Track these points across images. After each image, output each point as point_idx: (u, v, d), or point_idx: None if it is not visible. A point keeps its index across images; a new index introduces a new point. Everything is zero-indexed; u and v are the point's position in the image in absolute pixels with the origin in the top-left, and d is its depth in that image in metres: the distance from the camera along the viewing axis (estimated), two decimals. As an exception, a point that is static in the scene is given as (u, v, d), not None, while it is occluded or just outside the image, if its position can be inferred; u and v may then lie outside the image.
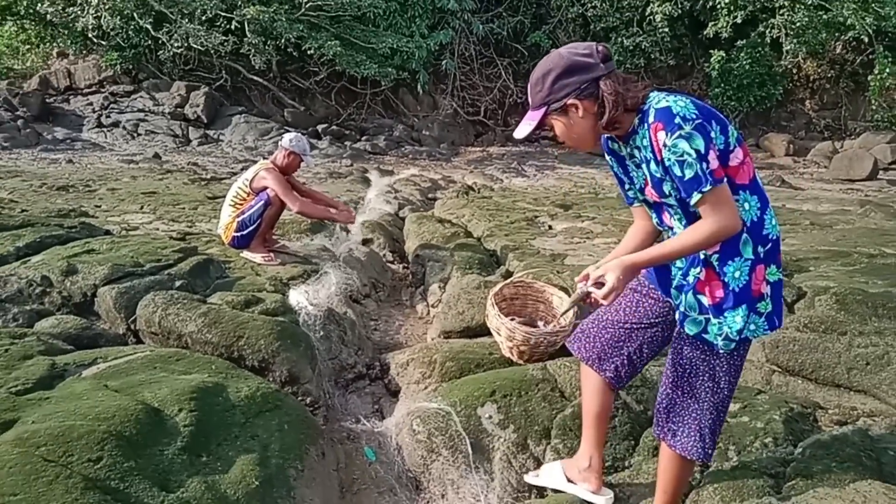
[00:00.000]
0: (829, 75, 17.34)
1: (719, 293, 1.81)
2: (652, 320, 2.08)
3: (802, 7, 14.57)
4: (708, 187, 1.68)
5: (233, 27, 14.52)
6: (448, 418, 2.68)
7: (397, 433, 2.81)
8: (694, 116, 1.69)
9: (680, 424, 1.97)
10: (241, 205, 4.34)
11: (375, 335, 4.22)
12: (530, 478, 2.43)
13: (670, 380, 1.99)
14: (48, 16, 14.82)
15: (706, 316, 1.84)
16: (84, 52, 16.83)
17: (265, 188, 4.27)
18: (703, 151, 1.67)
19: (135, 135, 14.35)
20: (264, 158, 4.64)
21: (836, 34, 15.36)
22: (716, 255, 1.81)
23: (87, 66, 16.67)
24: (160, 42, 14.83)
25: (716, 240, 1.74)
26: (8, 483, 1.79)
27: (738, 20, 15.27)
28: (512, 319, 3.25)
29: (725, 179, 1.72)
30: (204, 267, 3.98)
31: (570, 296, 3.28)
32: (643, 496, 2.28)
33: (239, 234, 4.31)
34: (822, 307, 3.57)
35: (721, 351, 1.86)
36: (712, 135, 1.71)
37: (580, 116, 1.80)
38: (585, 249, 5.24)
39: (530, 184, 11.48)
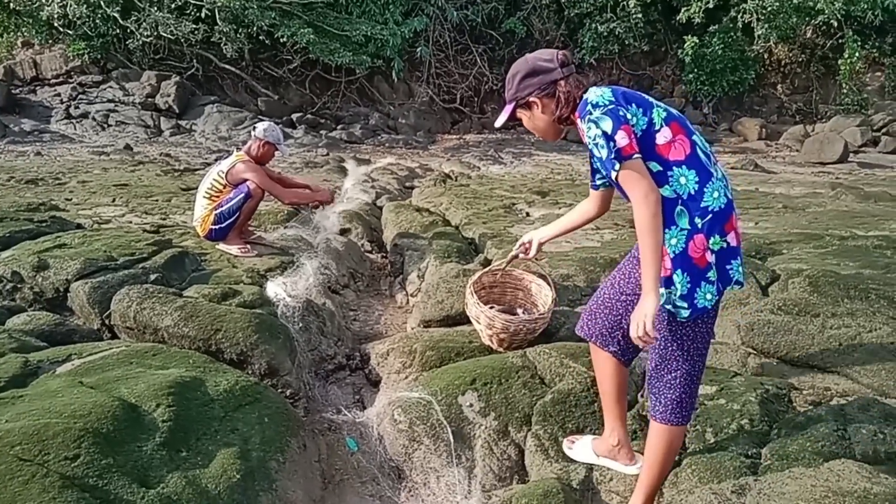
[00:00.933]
0: (801, 59, 17.56)
1: (668, 264, 1.94)
2: None
3: (773, -8, 14.69)
4: (617, 165, 1.86)
5: (203, 15, 14.26)
6: (429, 407, 2.68)
7: (379, 423, 2.81)
8: (606, 103, 1.89)
9: (659, 396, 2.09)
10: (218, 197, 4.28)
11: (355, 325, 4.21)
12: (566, 449, 2.49)
13: (651, 357, 2.11)
14: (11, 4, 14.43)
15: (663, 287, 1.94)
16: (50, 41, 16.41)
17: (244, 181, 4.22)
18: (610, 132, 1.85)
19: (105, 126, 14.07)
20: (238, 149, 4.58)
21: (807, 19, 15.51)
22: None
23: (54, 55, 16.27)
24: (129, 31, 14.53)
25: (642, 213, 1.87)
26: (-18, 484, 1.76)
27: (711, 5, 15.35)
28: (491, 307, 3.26)
29: (638, 156, 1.87)
30: (179, 260, 3.93)
31: (549, 283, 3.30)
32: (622, 478, 2.31)
33: (217, 226, 4.26)
34: (796, 289, 3.63)
35: (682, 319, 1.97)
36: (627, 116, 1.88)
37: (540, 112, 2.07)
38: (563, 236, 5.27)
39: (507, 171, 11.48)
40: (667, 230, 1.92)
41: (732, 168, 11.98)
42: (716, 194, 1.94)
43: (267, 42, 15.25)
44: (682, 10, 16.03)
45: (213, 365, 2.75)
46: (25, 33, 16.76)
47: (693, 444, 2.42)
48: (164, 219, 5.51)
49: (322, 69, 16.61)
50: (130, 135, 13.58)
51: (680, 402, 2.06)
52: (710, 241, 1.93)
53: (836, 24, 14.80)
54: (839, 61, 15.36)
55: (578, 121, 1.97)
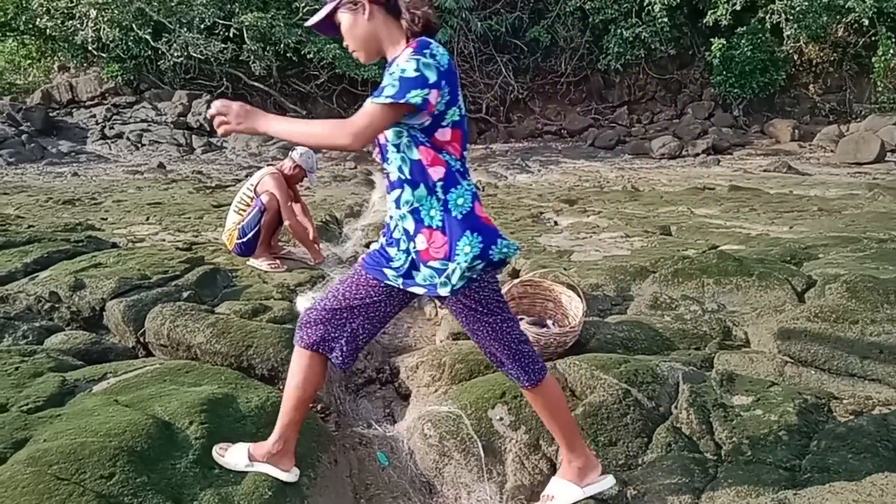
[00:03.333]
0: (832, 59, 17.23)
1: (443, 246, 1.87)
2: (374, 298, 2.06)
3: (802, -9, 14.47)
4: (387, 100, 1.71)
5: (231, 34, 14.55)
6: (459, 421, 2.67)
7: (409, 437, 2.80)
8: (445, 63, 1.78)
9: (511, 366, 2.09)
10: (246, 210, 4.35)
11: (384, 338, 4.21)
12: (216, 457, 2.21)
13: (477, 338, 2.08)
14: (48, 30, 14.90)
15: (444, 275, 1.88)
16: (85, 64, 16.91)
17: (267, 192, 4.28)
18: (419, 78, 1.72)
19: (139, 145, 14.40)
20: (268, 165, 4.64)
21: (837, 17, 15.25)
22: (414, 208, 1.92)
23: (89, 78, 16.74)
24: (160, 52, 14.89)
25: (327, 137, 1.78)
26: (22, 503, 1.79)
27: (738, 7, 15.18)
28: (521, 319, 3.24)
29: (409, 115, 1.77)
30: (211, 276, 3.99)
31: (579, 294, 3.27)
32: (658, 493, 2.27)
33: (240, 241, 4.32)
34: (833, 296, 3.54)
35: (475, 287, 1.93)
36: (442, 85, 1.76)
37: (367, 18, 1.86)
38: (592, 244, 5.22)
39: (535, 179, 11.45)
40: (453, 188, 1.89)
41: (765, 171, 11.77)
42: (460, 201, 1.90)
43: (294, 59, 15.50)
44: (709, 13, 15.88)
45: (244, 381, 2.77)
46: (61, 57, 17.32)
47: (729, 456, 2.36)
48: (196, 236, 5.60)
49: (349, 83, 16.81)
50: (163, 153, 13.88)
51: (522, 364, 2.09)
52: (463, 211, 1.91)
53: (867, 21, 14.49)
54: (873, 59, 15.03)
55: (403, 49, 1.82)
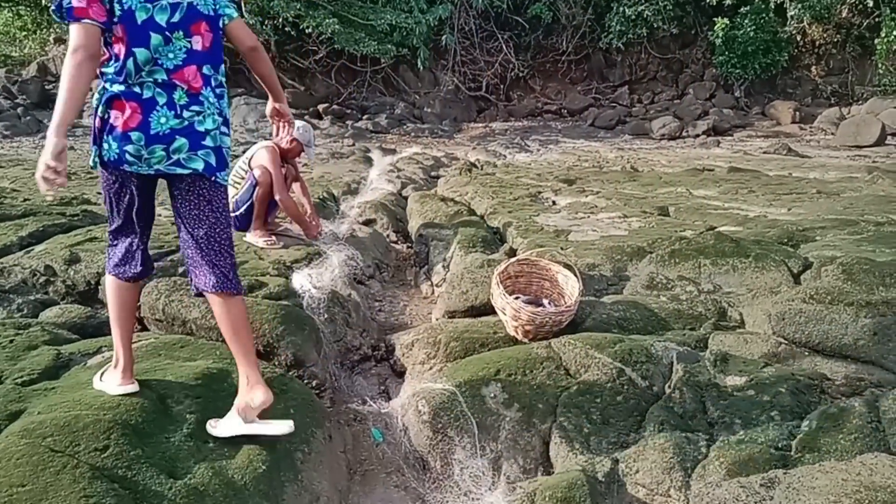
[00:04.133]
0: (836, 40, 17.09)
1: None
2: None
3: (807, -29, 14.32)
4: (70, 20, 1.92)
5: (230, 8, 14.36)
6: (453, 398, 2.68)
7: (403, 414, 2.82)
8: None
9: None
10: (241, 184, 4.31)
11: (380, 316, 4.23)
12: (210, 430, 2.24)
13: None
14: (44, 1, 14.70)
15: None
16: (81, 37, 16.70)
17: (260, 165, 4.23)
18: None
19: (135, 119, 14.28)
20: (265, 139, 4.60)
21: (842, -2, 15.10)
22: None
23: (85, 51, 16.55)
24: (157, 25, 14.70)
25: (67, 68, 1.97)
26: (16, 474, 1.80)
27: (742, -14, 15.02)
28: (517, 298, 3.24)
29: (89, 21, 1.93)
30: (207, 252, 3.97)
31: (575, 274, 3.27)
32: (649, 471, 2.28)
33: (234, 214, 4.27)
34: (829, 277, 3.54)
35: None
36: None
37: None
38: (590, 224, 5.21)
39: (534, 159, 11.40)
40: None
41: (765, 153, 11.73)
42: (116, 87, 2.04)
43: (293, 33, 15.32)
44: (713, -8, 15.70)
45: (239, 356, 2.77)
46: (57, 30, 17.10)
47: (721, 435, 2.38)
48: (193, 211, 5.57)
49: (347, 59, 16.64)
50: (160, 128, 13.78)
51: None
52: (100, 110, 2.06)
53: (871, 2, 14.36)
54: (876, 41, 14.90)
55: None
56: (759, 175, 8.38)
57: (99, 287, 3.53)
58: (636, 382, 2.71)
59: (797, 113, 15.57)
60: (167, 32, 2.06)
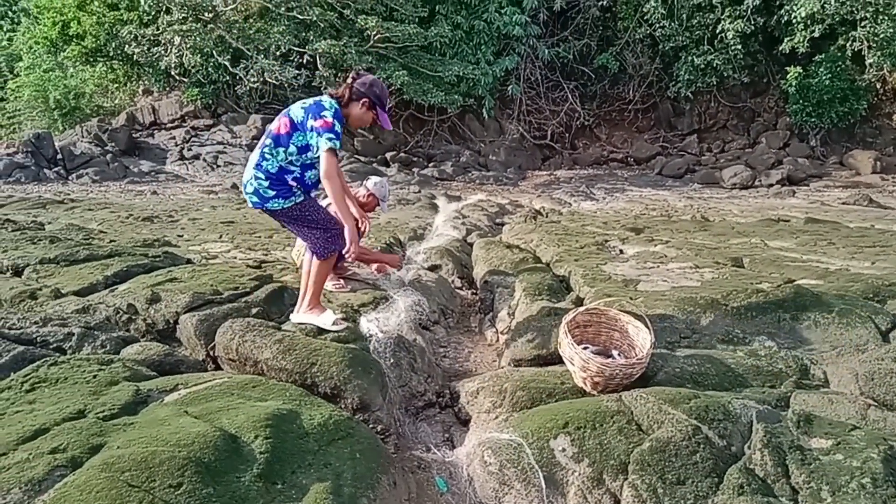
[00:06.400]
0: (918, 88, 16.45)
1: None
2: None
3: (886, 18, 13.92)
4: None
5: (305, 61, 15.06)
6: (520, 450, 2.62)
7: (468, 464, 2.77)
8: None
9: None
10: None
11: (445, 362, 4.21)
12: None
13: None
14: (134, 56, 15.78)
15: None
16: (167, 88, 17.82)
17: None
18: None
19: (214, 166, 15.00)
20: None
21: (925, 44, 14.58)
22: None
23: (170, 101, 17.62)
24: (237, 77, 15.53)
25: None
26: (95, 507, 1.85)
27: (816, 34, 14.72)
28: (585, 348, 3.18)
29: None
30: (279, 294, 4.08)
31: (646, 325, 3.18)
32: (729, 538, 2.16)
33: None
34: (922, 336, 3.33)
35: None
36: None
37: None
38: (659, 274, 5.09)
39: (599, 207, 11.30)
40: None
41: (844, 203, 11.27)
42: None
43: (364, 85, 15.84)
44: (785, 40, 15.46)
45: (308, 398, 2.81)
46: (146, 82, 18.29)
47: (807, 502, 2.23)
48: (266, 254, 5.76)
49: (415, 109, 17.10)
50: (237, 174, 14.39)
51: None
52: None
53: (958, 49, 13.81)
54: (963, 88, 14.26)
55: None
56: (839, 226, 8.03)
57: (177, 326, 3.66)
58: (713, 441, 2.59)
59: (878, 163, 14.96)
60: None
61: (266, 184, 3.36)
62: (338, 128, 3.25)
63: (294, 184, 3.40)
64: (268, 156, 3.36)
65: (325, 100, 3.33)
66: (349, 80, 3.39)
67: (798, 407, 2.84)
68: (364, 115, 3.42)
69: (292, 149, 3.33)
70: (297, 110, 3.35)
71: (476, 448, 2.80)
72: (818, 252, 6.20)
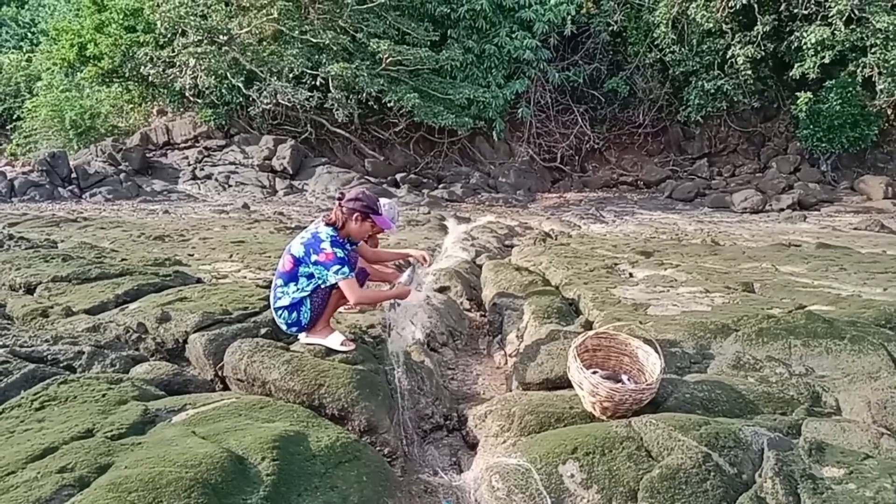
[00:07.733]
0: (930, 114, 16.43)
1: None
2: None
3: (896, 45, 13.96)
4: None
5: (318, 83, 15.24)
6: (528, 475, 2.60)
7: (476, 489, 2.75)
8: None
9: None
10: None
11: (453, 385, 4.19)
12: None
13: None
14: (150, 77, 16.03)
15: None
16: (181, 109, 18.06)
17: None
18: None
19: (226, 186, 15.13)
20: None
21: (936, 71, 14.58)
22: None
23: (184, 122, 17.84)
24: (251, 99, 15.73)
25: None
26: (101, 527, 1.85)
27: (826, 60, 14.76)
28: (594, 372, 3.16)
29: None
30: (287, 315, 4.08)
31: (656, 350, 3.17)
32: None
33: None
34: (936, 364, 3.29)
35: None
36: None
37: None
38: (669, 298, 5.06)
39: (609, 230, 11.29)
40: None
41: (856, 229, 11.21)
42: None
43: (375, 106, 16.05)
44: (796, 66, 15.50)
45: (315, 420, 2.80)
46: (160, 102, 18.55)
47: (820, 533, 2.20)
48: (275, 274, 5.77)
49: (426, 131, 17.24)
50: (248, 195, 14.51)
51: None
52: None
53: (970, 75, 13.80)
54: (975, 115, 14.23)
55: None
56: (851, 252, 7.98)
57: (186, 345, 3.67)
58: (724, 469, 2.56)
59: (889, 188, 14.90)
60: None
61: (291, 317, 3.52)
62: (340, 254, 3.38)
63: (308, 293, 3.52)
64: (280, 294, 3.50)
65: (321, 231, 3.43)
66: (336, 203, 3.50)
67: (810, 435, 2.81)
68: (362, 228, 3.54)
69: (302, 281, 3.46)
70: (297, 246, 3.45)
71: (484, 473, 2.77)
72: (829, 277, 6.15)
